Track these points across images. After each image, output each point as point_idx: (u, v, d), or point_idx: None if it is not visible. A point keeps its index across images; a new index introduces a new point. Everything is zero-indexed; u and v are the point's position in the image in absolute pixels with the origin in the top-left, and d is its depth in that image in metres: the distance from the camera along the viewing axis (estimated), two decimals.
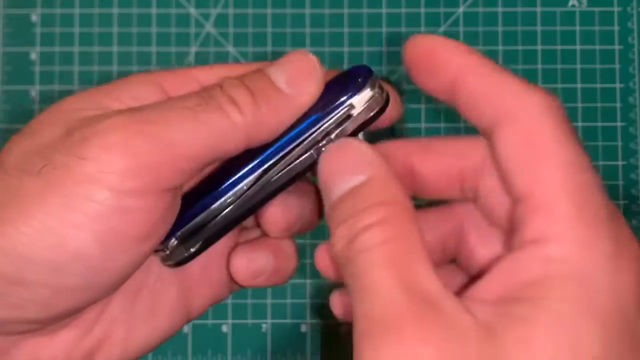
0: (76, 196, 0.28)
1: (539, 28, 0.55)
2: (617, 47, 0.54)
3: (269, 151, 0.31)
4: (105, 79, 0.55)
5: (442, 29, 0.55)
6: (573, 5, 0.55)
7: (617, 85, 0.54)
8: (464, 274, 0.33)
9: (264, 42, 0.55)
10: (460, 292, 0.27)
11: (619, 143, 0.54)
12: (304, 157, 0.32)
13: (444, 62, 0.30)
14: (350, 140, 0.31)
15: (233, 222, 0.33)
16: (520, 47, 0.55)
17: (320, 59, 0.55)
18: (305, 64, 0.31)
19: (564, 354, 0.24)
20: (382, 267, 0.26)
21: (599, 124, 0.54)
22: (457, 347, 0.25)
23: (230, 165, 0.32)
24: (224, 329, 0.53)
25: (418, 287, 0.26)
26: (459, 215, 0.33)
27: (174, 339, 0.53)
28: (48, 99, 0.55)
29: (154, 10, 0.55)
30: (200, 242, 0.33)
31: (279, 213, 0.34)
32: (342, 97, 0.31)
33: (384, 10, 0.55)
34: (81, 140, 0.29)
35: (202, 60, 0.55)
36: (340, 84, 0.32)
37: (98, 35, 0.55)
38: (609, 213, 0.27)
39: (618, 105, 0.54)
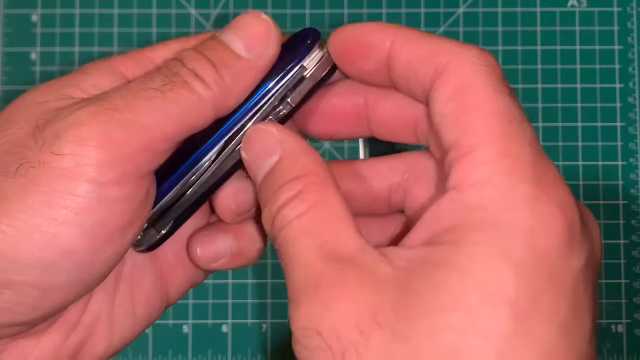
0: (58, 192, 0.28)
1: (538, 28, 0.55)
2: (616, 47, 0.54)
3: (227, 123, 0.32)
4: None
5: (442, 29, 0.55)
6: (573, 6, 0.55)
7: (617, 85, 0.54)
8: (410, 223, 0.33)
9: None
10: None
11: (619, 143, 0.54)
12: (259, 118, 0.32)
13: (376, 42, 0.30)
14: (261, 125, 0.31)
15: (199, 200, 0.33)
16: (520, 47, 0.55)
17: None
18: (261, 27, 0.31)
19: (475, 297, 0.24)
20: (301, 238, 0.27)
21: (599, 124, 0.54)
22: (372, 297, 0.25)
23: (193, 140, 0.32)
24: (224, 329, 0.53)
25: (336, 250, 0.27)
26: (410, 165, 0.33)
27: (175, 340, 0.54)
28: None
29: (154, 11, 0.55)
30: (170, 224, 0.33)
31: (230, 198, 0.34)
32: (293, 60, 0.31)
33: (383, 11, 0.55)
34: (54, 136, 0.28)
35: None
36: (290, 48, 0.32)
37: (98, 36, 0.55)
38: (533, 159, 0.27)
39: (618, 105, 0.54)
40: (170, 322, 0.52)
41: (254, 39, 0.31)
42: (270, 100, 0.32)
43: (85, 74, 0.32)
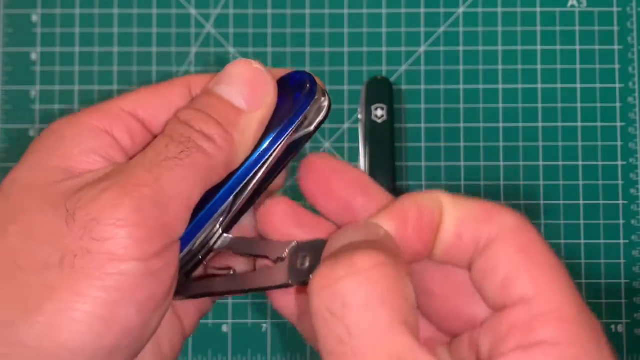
0: (109, 276, 0.28)
1: (538, 28, 0.55)
2: (616, 47, 0.54)
3: (238, 173, 0.32)
4: (106, 79, 0.55)
5: (442, 29, 0.55)
6: (573, 6, 0.55)
7: (617, 86, 0.54)
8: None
9: (264, 42, 0.55)
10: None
11: (619, 143, 0.54)
12: (270, 169, 0.33)
13: (428, 217, 0.31)
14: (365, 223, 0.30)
15: (212, 247, 0.34)
16: (520, 47, 0.55)
17: (320, 60, 0.55)
18: (255, 75, 0.32)
19: None
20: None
21: (599, 124, 0.54)
22: None
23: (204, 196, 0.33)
24: (224, 328, 0.53)
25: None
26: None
27: None
28: (48, 99, 0.55)
29: (154, 11, 0.55)
30: (194, 269, 0.34)
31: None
32: (295, 110, 0.32)
33: (384, 10, 0.55)
34: (91, 220, 0.29)
35: (202, 60, 0.55)
36: (289, 94, 0.32)
37: (98, 36, 0.55)
38: (594, 322, 0.28)
39: (618, 105, 0.54)
40: None
41: (251, 90, 0.31)
42: (277, 151, 0.32)
43: (66, 140, 0.32)
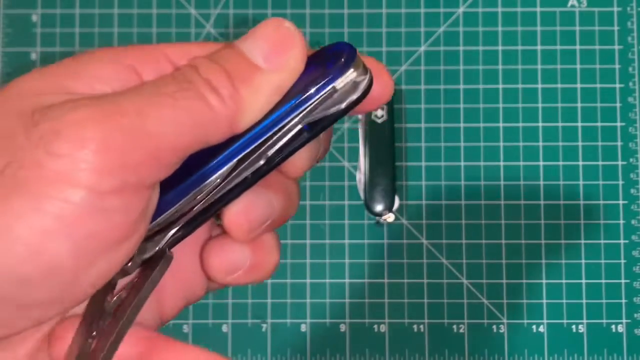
0: (49, 198, 0.25)
1: (538, 28, 0.55)
2: (616, 47, 0.54)
3: (243, 139, 0.29)
4: None
5: (441, 29, 0.55)
6: (573, 6, 0.55)
7: (617, 85, 0.54)
8: None
9: None
10: None
11: (619, 143, 0.54)
12: (280, 144, 0.29)
13: None
14: None
15: (204, 217, 0.30)
16: (520, 47, 0.55)
17: None
18: (283, 34, 0.28)
19: None
20: None
21: (599, 124, 0.54)
22: None
23: (203, 152, 0.29)
24: (224, 328, 0.53)
25: None
26: None
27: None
28: None
29: (154, 11, 0.55)
30: (169, 238, 0.30)
31: (242, 215, 0.31)
32: (324, 79, 0.28)
33: (384, 10, 0.55)
34: (52, 134, 0.25)
35: None
36: (322, 64, 0.29)
37: (98, 36, 0.55)
38: None
39: (618, 105, 0.54)
40: (171, 322, 0.52)
41: (274, 49, 0.28)
42: (294, 121, 0.28)
43: (91, 63, 0.28)
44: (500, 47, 0.55)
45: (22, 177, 0.25)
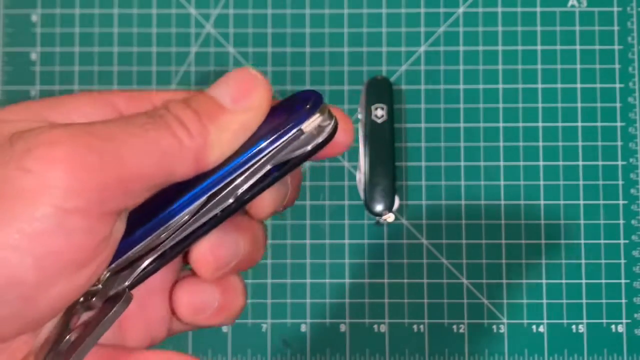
0: (14, 212, 0.26)
1: (538, 28, 0.55)
2: (616, 47, 0.54)
3: (211, 178, 0.29)
4: (106, 79, 0.55)
5: (442, 29, 0.55)
6: (573, 6, 0.55)
7: (617, 85, 0.54)
8: None
9: (264, 42, 0.55)
10: None
11: (619, 143, 0.54)
12: (249, 184, 0.30)
13: None
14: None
15: (172, 254, 0.30)
16: (520, 47, 0.55)
17: (320, 60, 0.55)
18: (248, 79, 0.30)
19: None
20: None
21: (599, 124, 0.54)
22: None
23: (171, 191, 0.30)
24: (224, 328, 0.53)
25: None
26: None
27: (175, 339, 0.54)
28: None
29: (154, 11, 0.55)
30: (137, 274, 0.30)
31: (208, 253, 0.31)
32: (291, 122, 0.29)
33: (384, 10, 0.55)
34: (24, 152, 0.26)
35: (202, 60, 0.55)
36: (289, 108, 0.30)
37: (98, 36, 0.55)
38: None
39: (618, 105, 0.54)
40: None
41: (241, 91, 0.30)
42: (261, 161, 0.29)
43: (75, 101, 0.30)
44: (500, 47, 0.55)
45: None
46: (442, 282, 0.53)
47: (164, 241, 0.30)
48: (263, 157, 0.29)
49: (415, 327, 0.53)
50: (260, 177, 0.30)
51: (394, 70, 0.55)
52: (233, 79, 0.30)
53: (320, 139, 0.30)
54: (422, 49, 0.55)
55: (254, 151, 0.29)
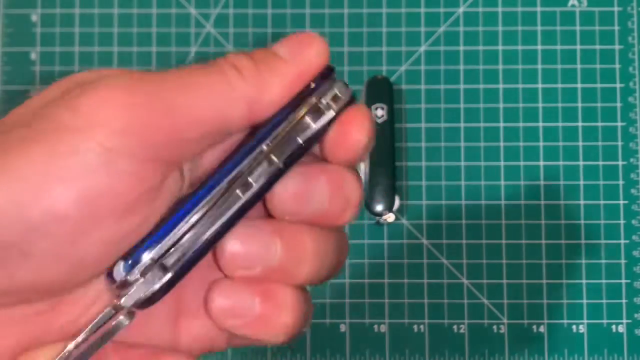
0: (60, 147, 0.26)
1: (539, 28, 0.55)
2: (617, 47, 0.54)
3: (243, 150, 0.29)
4: None
5: (442, 28, 0.55)
6: (573, 5, 0.55)
7: (617, 85, 0.54)
8: None
9: (264, 42, 0.55)
10: None
11: (619, 143, 0.54)
12: (271, 161, 0.29)
13: None
14: None
15: (212, 239, 0.29)
16: (520, 47, 0.55)
17: None
18: (307, 36, 0.30)
19: None
20: None
21: (599, 123, 0.54)
22: None
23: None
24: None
25: None
26: None
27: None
28: None
29: (154, 11, 0.55)
30: (180, 263, 0.28)
31: (227, 245, 0.30)
32: (305, 92, 0.29)
33: (383, 10, 0.55)
34: (78, 94, 0.27)
35: (202, 60, 0.55)
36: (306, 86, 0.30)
37: (98, 35, 0.55)
38: None
39: (618, 105, 0.54)
40: None
41: (299, 45, 0.30)
42: (285, 132, 0.29)
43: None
44: (500, 47, 0.55)
45: (42, 127, 0.26)
46: (442, 282, 0.53)
47: (196, 225, 0.28)
48: (287, 123, 0.29)
49: (415, 327, 0.53)
50: (295, 150, 0.29)
51: (394, 70, 0.55)
52: (293, 36, 0.30)
53: (341, 103, 0.30)
54: (423, 48, 0.55)
55: (276, 120, 0.29)
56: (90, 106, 0.26)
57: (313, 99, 0.29)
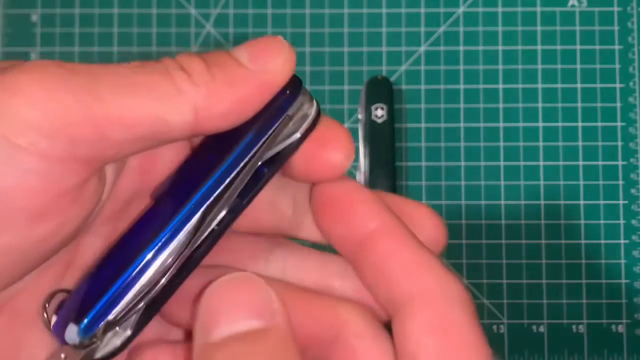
0: None
1: (539, 28, 0.55)
2: (616, 47, 0.54)
3: (204, 188, 0.25)
4: None
5: (442, 28, 0.55)
6: (573, 5, 0.55)
7: (617, 85, 0.54)
8: None
9: None
10: None
11: (619, 143, 0.54)
12: (242, 187, 0.26)
13: (359, 216, 0.26)
14: (252, 276, 0.24)
15: (170, 290, 0.26)
16: (520, 47, 0.55)
17: (320, 60, 0.55)
18: (272, 42, 0.26)
19: None
20: None
21: (599, 123, 0.54)
22: None
23: (163, 207, 0.26)
24: None
25: None
26: None
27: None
28: None
29: (154, 11, 0.55)
30: (134, 323, 0.25)
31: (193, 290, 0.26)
32: (275, 109, 0.26)
33: (384, 10, 0.55)
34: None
35: None
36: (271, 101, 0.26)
37: (98, 35, 0.55)
38: None
39: (618, 105, 0.54)
40: None
41: (261, 52, 0.26)
42: (253, 158, 0.26)
43: None
44: (500, 47, 0.55)
45: None
46: None
47: (165, 273, 0.25)
48: (254, 153, 0.26)
49: None
50: (252, 177, 0.26)
51: (394, 70, 0.55)
52: (257, 41, 0.26)
53: (307, 124, 0.26)
54: (423, 48, 0.55)
55: (243, 147, 0.26)
56: (1, 95, 0.23)
57: (280, 119, 0.26)
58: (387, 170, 0.53)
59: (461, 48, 0.55)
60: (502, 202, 0.53)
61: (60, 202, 0.24)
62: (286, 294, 0.25)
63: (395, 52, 0.55)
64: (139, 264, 0.25)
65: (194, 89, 0.25)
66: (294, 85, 0.26)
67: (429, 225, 0.29)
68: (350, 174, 0.54)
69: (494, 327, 0.53)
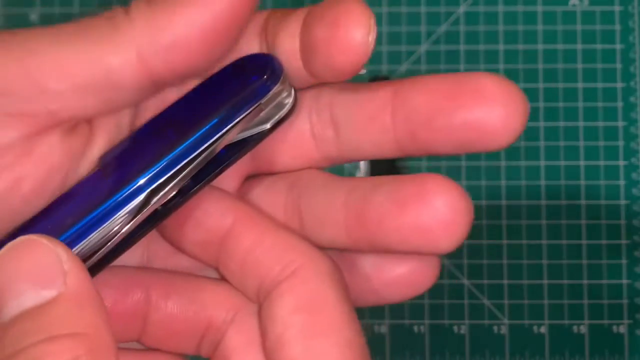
0: None
1: (539, 27, 0.55)
2: (618, 46, 0.54)
3: (156, 166, 0.24)
4: None
5: (442, 28, 0.55)
6: (574, 5, 0.55)
7: (618, 85, 0.54)
8: None
9: None
10: None
11: (620, 143, 0.54)
12: (198, 169, 0.24)
13: (214, 216, 0.26)
14: (33, 239, 0.22)
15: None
16: (520, 47, 0.54)
17: None
18: None
19: None
20: None
21: (600, 123, 0.54)
22: None
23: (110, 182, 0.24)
24: None
25: None
26: None
27: None
28: None
29: None
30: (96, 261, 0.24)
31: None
32: (248, 96, 0.24)
33: (384, 10, 0.55)
34: None
35: None
36: (242, 78, 0.24)
37: None
38: None
39: (619, 104, 0.54)
40: None
41: None
42: (214, 144, 0.24)
43: None
44: (501, 47, 0.54)
45: None
46: (443, 283, 0.53)
47: (96, 251, 0.24)
48: (216, 139, 0.24)
49: (415, 327, 0.53)
50: (210, 161, 0.24)
51: (394, 69, 0.54)
52: None
53: (280, 115, 0.25)
54: (423, 48, 0.55)
55: (205, 130, 0.24)
56: None
57: (251, 106, 0.24)
58: (387, 170, 0.53)
59: (462, 47, 0.55)
60: (503, 202, 0.53)
61: (9, 159, 0.23)
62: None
63: (396, 52, 0.55)
64: (68, 236, 0.23)
65: (130, 23, 0.23)
66: (274, 71, 0.24)
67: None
68: (351, 174, 0.54)
69: (495, 327, 0.52)
